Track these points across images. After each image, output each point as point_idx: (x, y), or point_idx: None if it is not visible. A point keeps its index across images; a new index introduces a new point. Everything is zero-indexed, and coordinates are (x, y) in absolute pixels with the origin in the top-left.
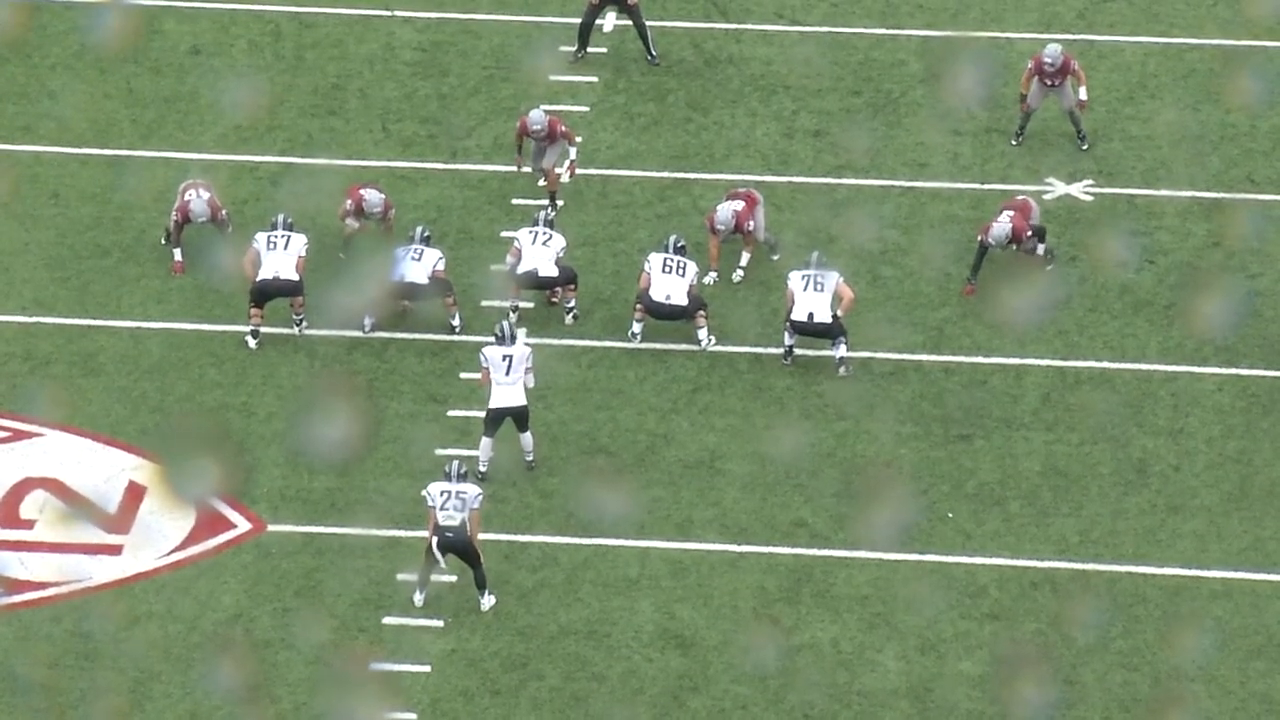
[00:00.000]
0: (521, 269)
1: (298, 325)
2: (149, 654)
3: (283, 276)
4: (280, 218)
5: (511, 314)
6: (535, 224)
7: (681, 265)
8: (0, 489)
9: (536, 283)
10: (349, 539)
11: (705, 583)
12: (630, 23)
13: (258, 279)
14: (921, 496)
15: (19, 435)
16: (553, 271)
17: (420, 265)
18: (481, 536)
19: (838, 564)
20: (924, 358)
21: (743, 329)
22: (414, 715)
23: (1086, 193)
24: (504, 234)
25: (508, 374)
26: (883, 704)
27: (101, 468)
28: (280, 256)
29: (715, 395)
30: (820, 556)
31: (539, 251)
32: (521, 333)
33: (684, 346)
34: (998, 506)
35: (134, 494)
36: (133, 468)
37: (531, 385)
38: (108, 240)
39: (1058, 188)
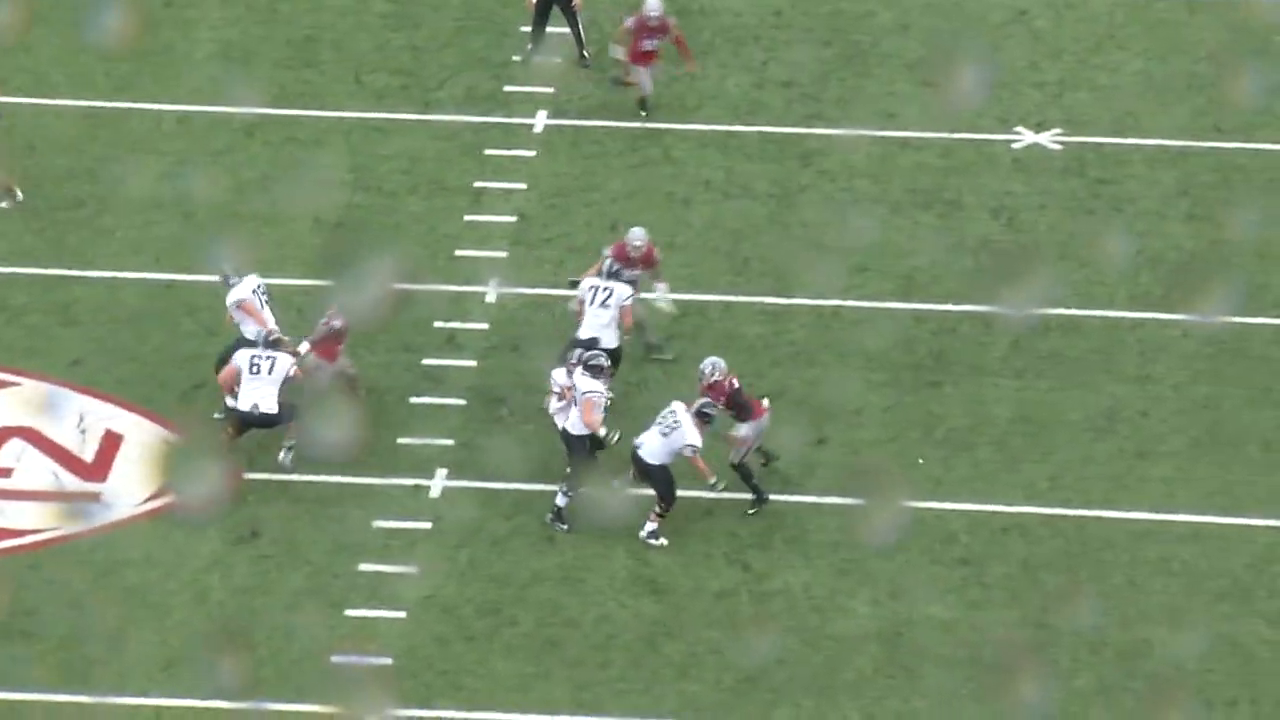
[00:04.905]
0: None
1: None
2: (127, 601)
3: (262, 409)
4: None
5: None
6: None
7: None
8: None
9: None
10: (327, 487)
11: (679, 530)
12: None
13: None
14: (891, 443)
15: None
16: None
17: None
18: (458, 484)
19: (809, 510)
20: (895, 305)
21: (713, 277)
22: (389, 660)
23: (1055, 141)
24: (476, 184)
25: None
26: (854, 648)
27: (78, 416)
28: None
29: (688, 344)
30: (792, 503)
31: (596, 313)
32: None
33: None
34: (967, 452)
35: (111, 442)
36: (109, 416)
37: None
38: (83, 191)
39: (1026, 137)
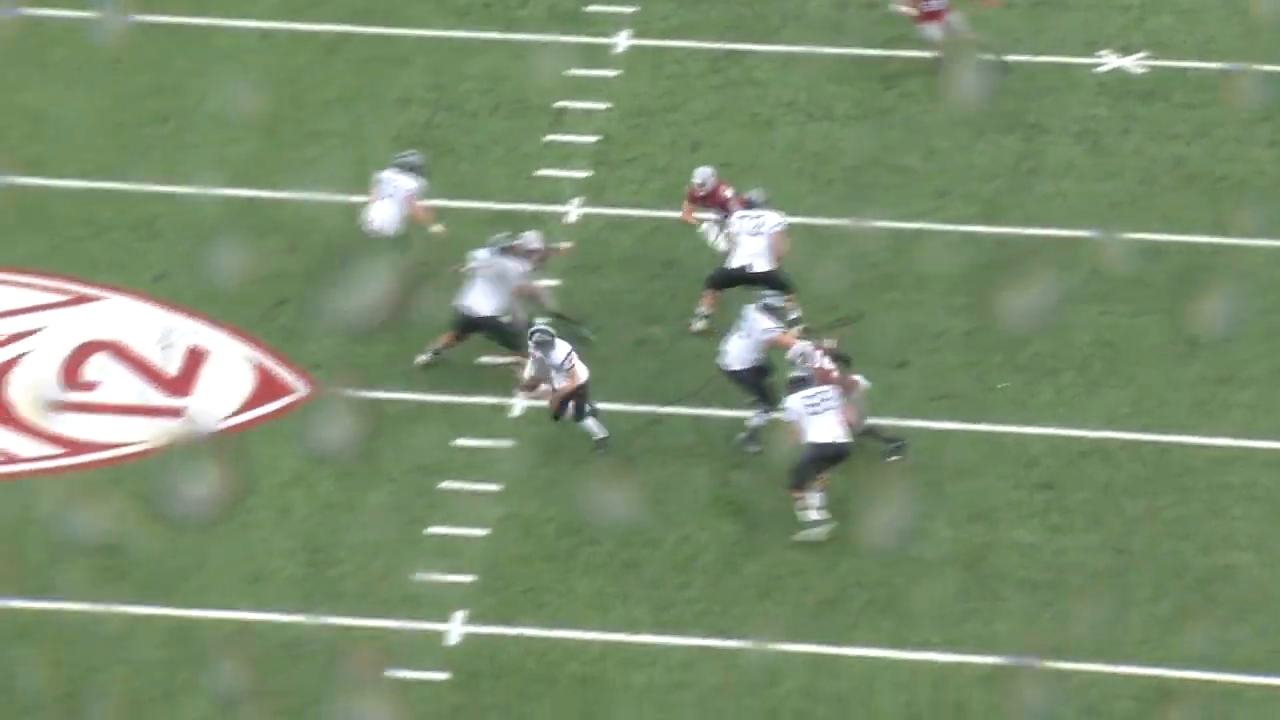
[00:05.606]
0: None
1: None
2: (210, 516)
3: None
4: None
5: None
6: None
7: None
8: (63, 352)
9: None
10: (408, 404)
11: (761, 450)
12: None
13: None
14: (973, 367)
15: (81, 299)
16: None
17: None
18: (539, 403)
19: (892, 432)
20: (977, 229)
21: (795, 199)
22: (473, 577)
23: (1140, 65)
24: (557, 104)
25: None
26: (935, 572)
27: (163, 332)
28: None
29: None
30: (873, 426)
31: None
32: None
33: None
34: (1049, 377)
35: (194, 358)
36: (193, 332)
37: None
38: (166, 107)
39: (1111, 60)
